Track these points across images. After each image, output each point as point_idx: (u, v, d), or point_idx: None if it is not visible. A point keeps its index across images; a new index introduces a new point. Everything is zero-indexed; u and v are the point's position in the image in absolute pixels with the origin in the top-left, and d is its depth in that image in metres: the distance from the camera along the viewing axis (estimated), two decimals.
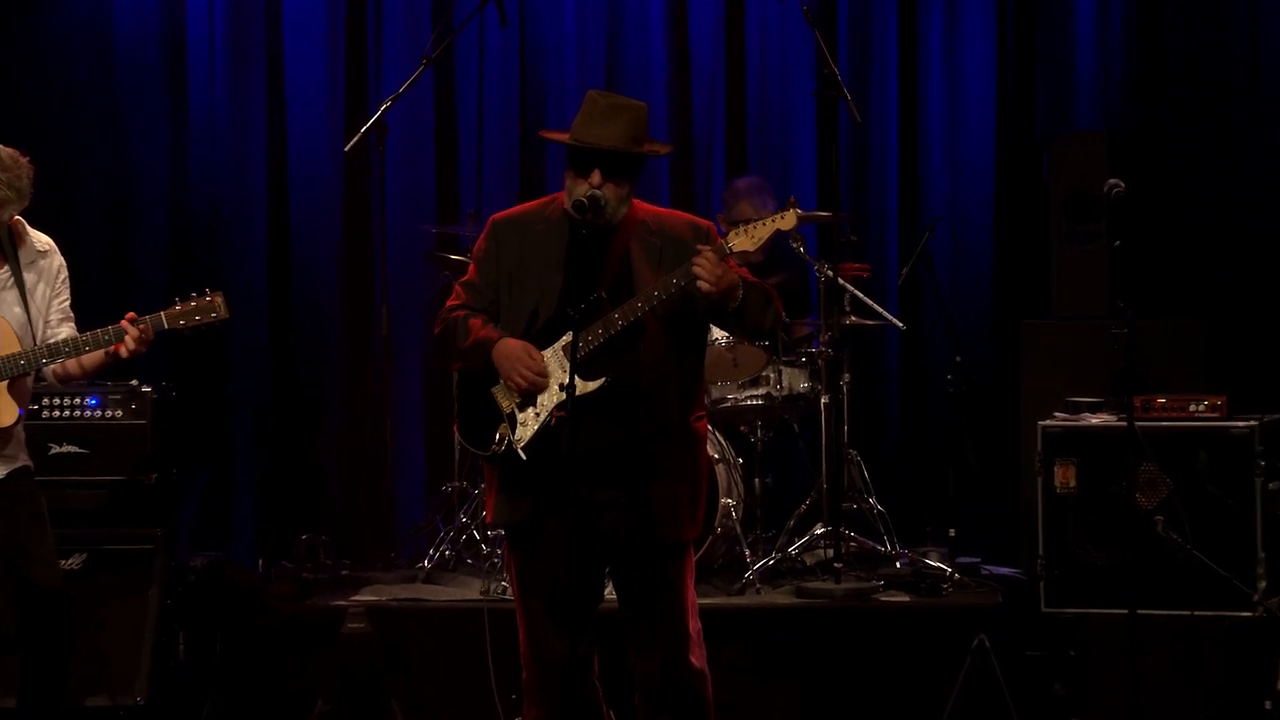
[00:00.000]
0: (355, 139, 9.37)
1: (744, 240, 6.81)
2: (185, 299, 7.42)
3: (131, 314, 7.36)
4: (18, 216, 7.39)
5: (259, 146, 10.34)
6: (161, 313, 7.39)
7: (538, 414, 6.82)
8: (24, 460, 7.37)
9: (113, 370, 7.56)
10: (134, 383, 8.69)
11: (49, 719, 7.48)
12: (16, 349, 7.31)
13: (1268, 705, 7.83)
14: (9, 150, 7.32)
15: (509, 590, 7.22)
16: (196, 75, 10.36)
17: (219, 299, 7.39)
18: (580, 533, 6.76)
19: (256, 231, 10.34)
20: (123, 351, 7.30)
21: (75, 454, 8.27)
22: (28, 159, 7.33)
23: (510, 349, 6.82)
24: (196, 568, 8.75)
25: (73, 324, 7.46)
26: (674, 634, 6.94)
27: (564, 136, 6.91)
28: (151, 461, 8.71)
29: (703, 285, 6.68)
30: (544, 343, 6.83)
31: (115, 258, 10.29)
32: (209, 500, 10.10)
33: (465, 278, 7.08)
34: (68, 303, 7.53)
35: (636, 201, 6.94)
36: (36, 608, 7.41)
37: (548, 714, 6.93)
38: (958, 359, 9.06)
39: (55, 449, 7.94)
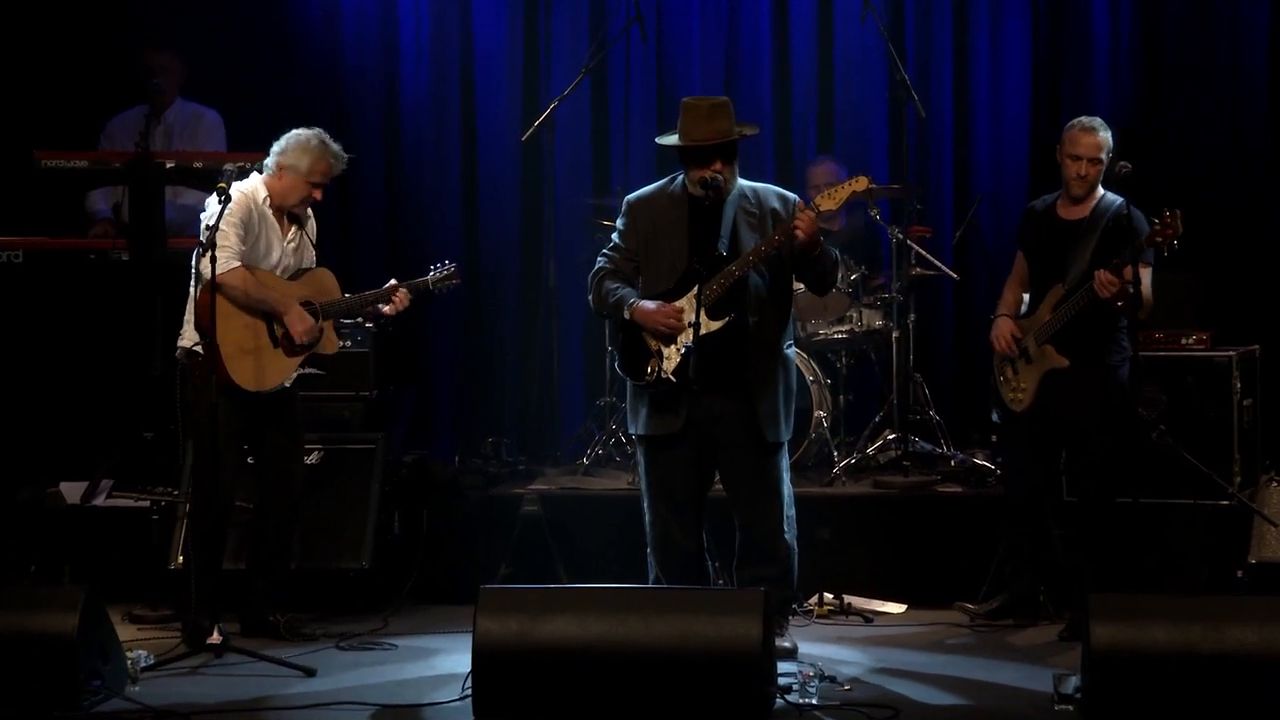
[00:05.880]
0: (530, 131, 9.30)
1: (827, 201, 6.86)
2: (437, 268, 7.59)
3: (395, 280, 7.47)
4: None
5: (454, 139, 10.15)
6: (426, 278, 7.55)
7: (678, 349, 6.80)
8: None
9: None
10: (359, 320, 8.58)
11: (277, 577, 7.52)
12: (339, 296, 7.38)
13: (1239, 574, 7.75)
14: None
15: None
16: (407, 80, 10.19)
17: (455, 268, 7.57)
18: (703, 438, 6.81)
19: (453, 199, 10.15)
20: (390, 310, 7.43)
21: (315, 375, 7.94)
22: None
23: (646, 308, 6.81)
24: (408, 463, 8.70)
25: None
26: (771, 515, 6.97)
27: (674, 140, 6.88)
28: (373, 382, 8.78)
29: (799, 234, 6.66)
30: (679, 293, 6.80)
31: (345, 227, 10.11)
32: (417, 411, 9.95)
33: (612, 244, 7.06)
34: None
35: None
36: (280, 494, 7.44)
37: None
38: None
39: (300, 371, 7.47)
